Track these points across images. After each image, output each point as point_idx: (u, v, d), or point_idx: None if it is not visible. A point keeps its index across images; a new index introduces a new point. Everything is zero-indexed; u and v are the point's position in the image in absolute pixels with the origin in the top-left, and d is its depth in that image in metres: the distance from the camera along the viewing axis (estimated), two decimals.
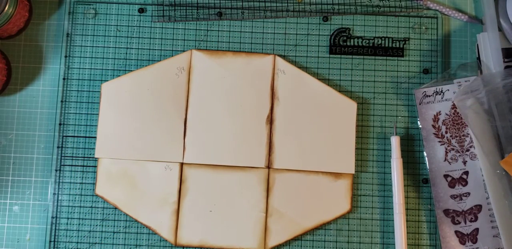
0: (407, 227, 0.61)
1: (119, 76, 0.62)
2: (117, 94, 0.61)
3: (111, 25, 0.64)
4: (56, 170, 0.62)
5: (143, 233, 0.61)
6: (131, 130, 0.61)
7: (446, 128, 0.62)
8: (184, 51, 0.63)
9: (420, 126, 0.63)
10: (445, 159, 0.62)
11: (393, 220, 0.61)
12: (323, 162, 0.61)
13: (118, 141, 0.61)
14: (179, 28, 0.64)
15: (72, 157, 0.62)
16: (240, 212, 0.60)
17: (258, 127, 0.61)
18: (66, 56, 0.63)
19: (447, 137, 0.62)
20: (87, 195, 0.61)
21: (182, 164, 0.61)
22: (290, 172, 0.61)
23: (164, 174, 0.61)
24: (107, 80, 0.63)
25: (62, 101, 0.63)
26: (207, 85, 0.61)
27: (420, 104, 0.63)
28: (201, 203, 0.60)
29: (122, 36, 0.63)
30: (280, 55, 0.63)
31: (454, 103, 0.62)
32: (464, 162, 0.62)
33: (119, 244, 0.61)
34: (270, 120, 0.61)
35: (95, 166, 0.62)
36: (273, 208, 0.60)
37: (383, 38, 0.64)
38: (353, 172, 0.61)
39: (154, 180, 0.60)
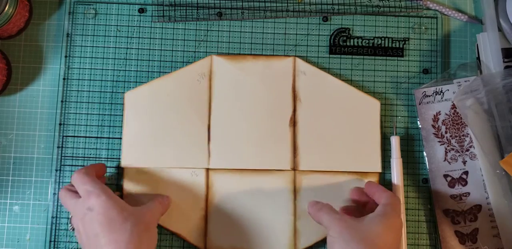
0: (407, 227, 0.61)
1: (140, 85, 0.62)
2: (140, 103, 0.61)
3: (111, 25, 0.64)
4: (56, 170, 0.62)
5: None
6: (155, 138, 0.61)
7: (446, 128, 0.62)
8: (184, 51, 0.63)
9: (420, 126, 0.63)
10: (445, 159, 0.62)
11: None
12: (349, 162, 0.61)
13: (143, 150, 0.60)
14: (179, 28, 0.64)
15: (72, 157, 0.62)
16: (269, 216, 0.60)
17: (282, 129, 0.61)
18: (66, 56, 0.63)
19: (447, 137, 0.62)
20: None
21: (208, 169, 0.60)
22: (317, 173, 0.61)
23: (190, 180, 0.60)
24: (107, 80, 0.63)
25: (62, 101, 0.63)
26: (229, 90, 0.61)
27: (420, 104, 0.63)
28: (229, 208, 0.60)
29: (122, 36, 0.63)
30: (299, 57, 0.63)
31: (454, 103, 0.62)
32: (464, 162, 0.62)
33: None
34: (294, 122, 0.61)
35: None
36: (302, 210, 0.60)
37: (383, 38, 0.64)
38: (379, 170, 0.61)
39: (180, 187, 0.60)
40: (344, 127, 0.61)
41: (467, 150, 0.62)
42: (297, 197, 0.60)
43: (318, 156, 0.61)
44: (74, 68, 0.63)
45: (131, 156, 0.60)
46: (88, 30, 0.63)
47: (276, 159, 0.61)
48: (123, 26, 0.64)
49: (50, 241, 0.61)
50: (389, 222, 0.52)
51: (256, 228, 0.60)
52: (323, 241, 0.60)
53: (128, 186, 0.60)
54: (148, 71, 0.63)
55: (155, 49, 0.63)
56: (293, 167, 0.60)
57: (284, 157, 0.61)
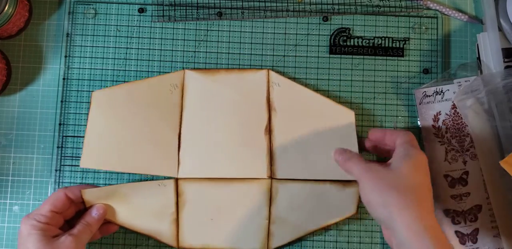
0: None
1: (111, 86, 0.60)
2: (108, 104, 0.60)
3: (111, 25, 0.63)
4: (56, 170, 0.62)
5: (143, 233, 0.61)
6: (119, 141, 0.59)
7: (446, 128, 0.62)
8: (184, 51, 0.63)
9: (420, 126, 0.63)
10: (445, 159, 0.62)
11: None
12: (329, 170, 0.60)
13: (106, 152, 0.59)
14: (179, 28, 0.64)
15: (72, 157, 0.62)
16: (242, 219, 0.59)
17: (257, 138, 0.60)
18: (66, 56, 0.63)
19: (447, 137, 0.62)
20: None
21: (177, 179, 0.60)
22: (295, 182, 0.60)
23: (158, 190, 0.59)
24: (107, 80, 0.63)
25: (62, 101, 0.62)
26: (201, 100, 0.61)
27: (420, 104, 0.63)
28: (201, 213, 0.59)
29: (122, 36, 0.63)
30: (273, 69, 0.62)
31: (454, 103, 0.62)
32: (464, 162, 0.62)
33: (119, 244, 0.61)
34: (269, 131, 0.60)
35: None
36: (276, 215, 0.59)
37: (383, 38, 0.64)
38: None
39: (148, 197, 0.59)
40: (321, 136, 0.60)
41: (468, 150, 0.62)
42: (272, 204, 0.60)
43: (296, 165, 0.60)
44: (74, 68, 0.63)
45: (92, 157, 0.59)
46: (88, 30, 0.63)
47: (252, 168, 0.60)
48: (123, 26, 0.64)
49: None
50: (414, 161, 0.52)
51: (229, 229, 0.59)
52: (298, 240, 0.60)
53: (90, 202, 0.58)
54: (148, 71, 0.63)
55: (155, 49, 0.63)
56: (269, 176, 0.60)
57: (260, 165, 0.60)
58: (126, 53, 0.63)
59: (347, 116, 0.61)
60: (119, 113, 0.60)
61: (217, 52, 0.63)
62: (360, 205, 0.61)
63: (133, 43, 0.63)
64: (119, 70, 0.63)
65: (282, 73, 0.63)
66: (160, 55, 0.63)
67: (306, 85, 0.62)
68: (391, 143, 0.56)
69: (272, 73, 0.62)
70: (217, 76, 0.61)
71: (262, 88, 0.61)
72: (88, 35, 0.63)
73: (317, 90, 0.63)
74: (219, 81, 0.61)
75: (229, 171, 0.60)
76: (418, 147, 0.55)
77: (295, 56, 0.64)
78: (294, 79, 0.63)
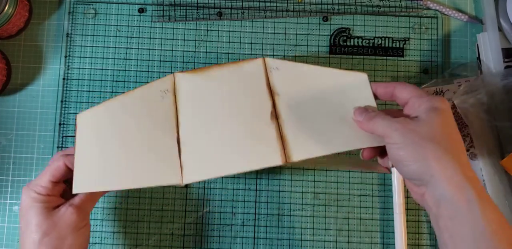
0: (407, 227, 0.61)
1: (95, 106, 0.56)
2: (96, 124, 0.55)
3: (111, 25, 0.64)
4: None
5: (143, 233, 0.61)
6: (115, 158, 0.54)
7: None
8: (184, 51, 0.63)
9: None
10: None
11: (393, 220, 0.61)
12: (350, 140, 0.53)
13: (102, 172, 0.53)
14: (179, 28, 0.64)
15: None
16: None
17: (264, 125, 0.55)
18: (66, 56, 0.63)
19: None
20: None
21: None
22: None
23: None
24: (107, 80, 0.63)
25: (62, 101, 0.63)
26: (197, 100, 0.56)
27: None
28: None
29: (122, 36, 0.63)
30: (268, 55, 0.61)
31: (454, 103, 0.62)
32: None
33: (119, 244, 0.61)
34: (276, 116, 0.55)
35: None
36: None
37: (383, 38, 0.64)
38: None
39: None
40: (335, 106, 0.54)
41: (467, 150, 0.62)
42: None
43: (312, 141, 0.54)
44: (74, 68, 0.63)
45: (85, 180, 0.53)
46: (88, 30, 0.63)
47: (264, 156, 0.54)
48: (123, 26, 0.64)
49: None
50: (442, 112, 0.47)
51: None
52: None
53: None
54: (148, 71, 0.63)
55: (155, 49, 0.63)
56: (284, 161, 0.53)
57: (273, 152, 0.54)
58: (126, 53, 0.63)
59: (360, 79, 0.55)
60: (108, 131, 0.55)
61: (217, 52, 0.63)
62: (355, 205, 0.61)
63: (133, 43, 0.63)
64: (119, 70, 0.63)
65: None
66: (160, 55, 0.63)
67: (307, 62, 0.59)
68: (388, 97, 0.52)
69: (268, 59, 0.57)
70: (209, 73, 0.57)
71: (260, 75, 0.56)
72: (88, 35, 0.63)
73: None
74: (212, 78, 0.57)
75: (240, 165, 0.54)
76: (430, 94, 0.50)
77: (295, 56, 0.64)
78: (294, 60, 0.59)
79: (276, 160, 0.53)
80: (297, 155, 0.53)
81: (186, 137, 0.55)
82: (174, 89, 0.56)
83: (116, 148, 0.54)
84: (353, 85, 0.54)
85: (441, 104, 0.48)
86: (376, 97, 0.53)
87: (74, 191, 0.52)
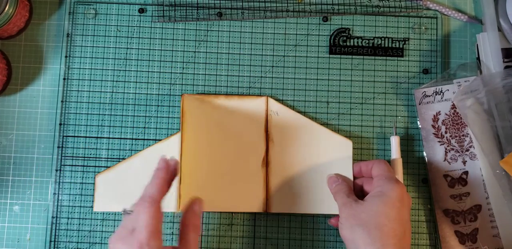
0: None
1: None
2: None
3: (111, 25, 0.64)
4: (56, 170, 0.62)
5: None
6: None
7: (446, 128, 0.62)
8: (184, 51, 0.63)
9: (420, 126, 0.63)
10: (445, 159, 0.62)
11: None
12: (325, 205, 0.60)
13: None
14: (179, 28, 0.64)
15: (72, 157, 0.62)
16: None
17: (255, 170, 0.60)
18: (66, 56, 0.63)
19: (446, 137, 0.62)
20: (87, 195, 0.61)
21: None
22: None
23: None
24: (107, 80, 0.63)
25: (62, 101, 0.63)
26: (201, 128, 0.60)
27: (419, 104, 0.63)
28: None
29: (122, 36, 0.63)
30: (271, 96, 0.62)
31: (453, 103, 0.62)
32: (464, 162, 0.62)
33: None
34: (266, 163, 0.61)
35: (95, 166, 0.62)
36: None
37: (383, 38, 0.64)
38: None
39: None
40: (317, 168, 0.60)
41: (467, 150, 0.62)
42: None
43: (291, 198, 0.60)
44: (74, 68, 0.63)
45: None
46: (88, 30, 0.63)
47: (249, 201, 0.60)
48: (123, 26, 0.64)
49: (50, 241, 0.61)
50: (387, 198, 0.52)
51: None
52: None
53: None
54: (148, 71, 0.63)
55: (155, 49, 0.63)
56: (265, 210, 0.60)
57: (257, 199, 0.60)
58: (126, 53, 0.63)
59: (345, 146, 0.61)
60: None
61: (217, 52, 0.64)
62: None
63: (133, 43, 0.63)
64: (119, 70, 0.63)
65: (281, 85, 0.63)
66: (160, 55, 0.63)
67: (305, 114, 0.62)
68: (369, 174, 0.58)
69: (271, 100, 0.62)
70: (217, 101, 0.61)
71: (260, 116, 0.61)
72: (88, 35, 0.63)
73: (315, 119, 0.63)
74: (219, 107, 0.61)
75: (227, 206, 0.60)
76: (393, 177, 0.55)
77: (295, 56, 0.64)
78: (292, 107, 0.63)
79: (258, 208, 0.60)
80: (275, 209, 0.60)
81: (186, 167, 0.58)
82: (182, 116, 0.59)
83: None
84: (338, 151, 0.61)
85: (390, 192, 0.53)
86: (361, 174, 0.59)
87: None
